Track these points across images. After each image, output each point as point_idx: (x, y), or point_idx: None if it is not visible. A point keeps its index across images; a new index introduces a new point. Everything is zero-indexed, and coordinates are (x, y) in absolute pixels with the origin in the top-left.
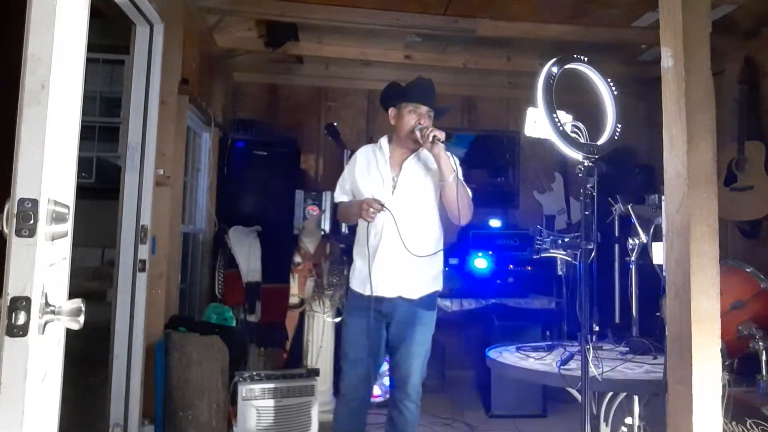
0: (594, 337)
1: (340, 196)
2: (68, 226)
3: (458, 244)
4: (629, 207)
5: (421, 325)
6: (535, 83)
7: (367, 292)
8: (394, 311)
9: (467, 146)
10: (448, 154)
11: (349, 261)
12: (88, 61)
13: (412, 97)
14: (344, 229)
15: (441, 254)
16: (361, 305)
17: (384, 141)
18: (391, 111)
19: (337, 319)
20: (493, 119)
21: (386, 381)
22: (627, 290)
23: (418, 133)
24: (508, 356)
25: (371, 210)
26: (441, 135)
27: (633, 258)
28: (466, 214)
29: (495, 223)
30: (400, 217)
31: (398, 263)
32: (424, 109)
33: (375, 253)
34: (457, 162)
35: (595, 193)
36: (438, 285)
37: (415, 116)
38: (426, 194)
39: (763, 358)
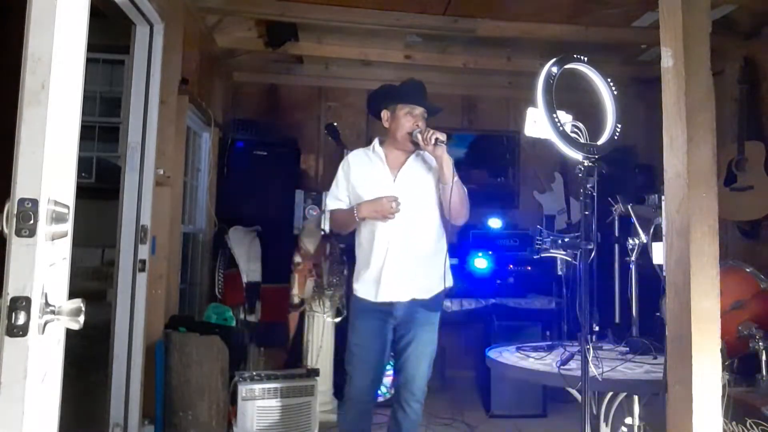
0: (594, 337)
1: (335, 203)
2: (68, 226)
3: (458, 244)
4: (629, 207)
5: (430, 325)
6: (535, 83)
7: (380, 299)
8: (406, 314)
9: (467, 146)
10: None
11: (350, 261)
12: (88, 61)
13: (407, 98)
14: None
15: (445, 251)
16: (371, 308)
17: (377, 143)
18: (384, 113)
19: (337, 319)
20: (493, 119)
21: (386, 381)
22: (627, 290)
23: (419, 136)
24: (508, 356)
25: (393, 205)
26: (443, 137)
27: (633, 258)
28: (465, 215)
29: (495, 223)
30: (405, 218)
31: (409, 266)
32: (419, 110)
33: (385, 259)
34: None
35: (595, 193)
36: (449, 281)
37: (411, 119)
38: (427, 194)
39: (763, 358)
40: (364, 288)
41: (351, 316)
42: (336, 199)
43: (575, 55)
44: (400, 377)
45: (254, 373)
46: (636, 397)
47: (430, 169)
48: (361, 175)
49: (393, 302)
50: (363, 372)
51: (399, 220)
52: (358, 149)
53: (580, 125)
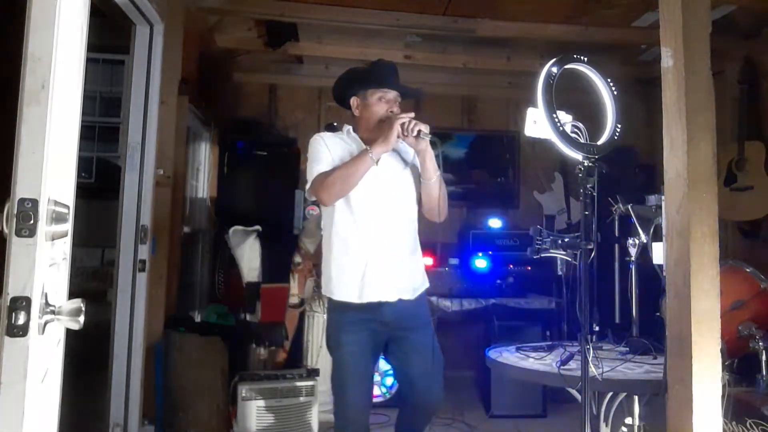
0: (594, 337)
1: (327, 166)
2: (68, 226)
3: (458, 244)
4: (629, 207)
5: (431, 327)
6: (535, 83)
7: (365, 299)
8: (397, 318)
9: (467, 146)
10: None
11: None
12: (88, 61)
13: (378, 82)
14: None
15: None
16: (360, 318)
17: (350, 129)
18: (354, 101)
19: None
20: (493, 119)
21: (387, 381)
22: (627, 290)
23: (398, 127)
24: (508, 356)
25: (395, 110)
26: (426, 128)
27: (633, 258)
28: (445, 212)
29: (495, 223)
30: (389, 204)
31: (394, 260)
32: (392, 94)
33: (370, 251)
34: (439, 157)
35: (595, 193)
36: (427, 281)
37: (384, 104)
38: (408, 184)
39: (763, 358)
40: (345, 288)
41: (332, 329)
42: (327, 165)
43: (575, 55)
44: (423, 399)
45: (254, 373)
46: (636, 397)
47: (407, 163)
48: (341, 157)
49: (381, 302)
50: (357, 388)
51: (382, 207)
52: (324, 133)
53: (580, 125)
